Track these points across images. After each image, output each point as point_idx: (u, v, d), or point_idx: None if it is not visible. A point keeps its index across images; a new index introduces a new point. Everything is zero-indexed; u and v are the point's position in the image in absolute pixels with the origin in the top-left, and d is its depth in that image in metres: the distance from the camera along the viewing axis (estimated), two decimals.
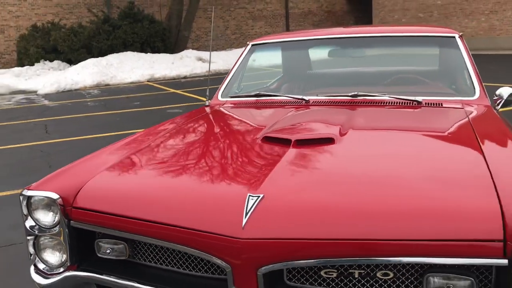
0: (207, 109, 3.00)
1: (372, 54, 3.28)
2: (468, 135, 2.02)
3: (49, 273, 1.83)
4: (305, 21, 25.90)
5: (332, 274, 1.53)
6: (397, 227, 1.42)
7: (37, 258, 1.86)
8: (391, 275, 1.50)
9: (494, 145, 1.92)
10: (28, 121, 9.33)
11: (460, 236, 1.37)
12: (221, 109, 2.93)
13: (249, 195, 1.54)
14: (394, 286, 1.51)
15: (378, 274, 1.51)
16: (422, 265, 1.46)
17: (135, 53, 17.48)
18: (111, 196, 1.76)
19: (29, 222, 1.82)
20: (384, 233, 1.41)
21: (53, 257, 1.84)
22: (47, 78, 15.09)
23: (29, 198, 1.80)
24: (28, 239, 1.84)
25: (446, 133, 2.16)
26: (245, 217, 1.47)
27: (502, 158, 1.76)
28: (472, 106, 2.59)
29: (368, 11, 25.60)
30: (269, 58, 3.52)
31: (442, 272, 1.42)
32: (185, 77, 16.23)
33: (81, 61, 16.42)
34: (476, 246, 1.36)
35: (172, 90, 13.12)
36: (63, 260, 1.83)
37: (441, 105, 2.60)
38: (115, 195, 1.76)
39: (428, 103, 2.61)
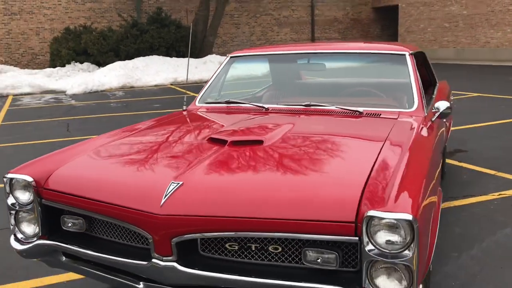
0: (184, 113, 3.43)
1: (334, 68, 3.65)
2: (379, 141, 2.38)
3: (24, 241, 2.29)
4: (330, 28, 26.16)
5: (235, 247, 1.92)
6: (279, 209, 1.80)
7: (16, 229, 2.31)
8: (280, 249, 1.89)
9: (393, 150, 2.27)
10: (53, 119, 9.96)
11: (325, 218, 1.75)
12: (194, 113, 3.36)
13: (172, 182, 1.96)
14: (282, 258, 1.89)
15: (270, 248, 1.89)
16: (301, 241, 1.84)
17: (161, 57, 18.13)
18: (73, 180, 2.21)
19: (10, 200, 2.28)
20: (269, 213, 1.80)
21: (28, 228, 2.29)
22: (75, 79, 15.86)
23: (10, 180, 2.26)
24: (9, 214, 2.30)
25: (360, 138, 2.52)
26: (164, 198, 1.89)
27: (390, 161, 2.12)
28: (407, 117, 2.93)
29: (394, 20, 25.69)
30: (253, 69, 3.91)
31: (315, 247, 1.80)
32: (207, 81, 16.77)
33: (109, 63, 17.15)
34: (336, 226, 1.73)
35: (192, 94, 13.65)
36: (36, 232, 2.27)
37: (379, 115, 2.95)
38: (76, 180, 2.20)
39: (368, 113, 2.97)
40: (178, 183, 1.95)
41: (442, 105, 3.06)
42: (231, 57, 3.83)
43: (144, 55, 18.02)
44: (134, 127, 3.06)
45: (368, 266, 1.72)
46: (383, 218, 1.65)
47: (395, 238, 1.68)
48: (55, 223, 2.28)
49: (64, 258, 2.27)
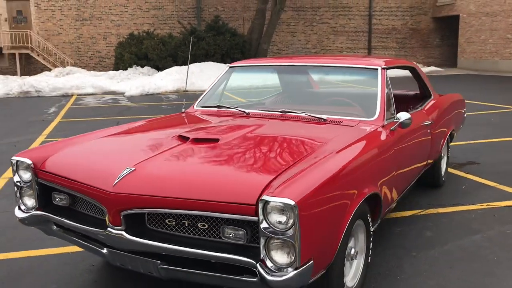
0: (182, 115, 3.94)
1: (320, 79, 4.02)
2: (320, 142, 2.77)
3: (25, 212, 2.87)
4: (388, 38, 26.01)
5: (172, 222, 2.39)
6: (201, 192, 2.26)
7: (20, 201, 2.90)
8: (206, 226, 2.33)
9: (325, 151, 2.64)
10: (106, 118, 10.85)
11: (235, 200, 2.18)
12: (189, 114, 3.86)
13: (126, 168, 2.46)
14: (208, 233, 2.33)
15: (199, 225, 2.34)
16: (220, 220, 2.27)
17: (215, 63, 18.93)
18: (59, 164, 2.76)
19: (16, 178, 2.87)
20: (193, 195, 2.26)
21: (29, 201, 2.87)
22: (134, 82, 16.95)
23: (16, 162, 2.85)
24: (15, 189, 2.89)
25: (306, 139, 2.91)
26: (117, 179, 2.39)
27: (314, 159, 2.50)
28: (365, 125, 3.27)
29: (454, 30, 25.16)
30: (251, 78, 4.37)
31: (229, 225, 2.23)
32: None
33: (167, 68, 18.15)
34: (242, 207, 2.16)
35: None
36: (34, 205, 2.85)
37: (340, 122, 3.31)
38: (61, 164, 2.76)
39: (331, 121, 3.33)
40: (131, 169, 2.45)
41: (403, 116, 3.37)
42: (230, 67, 4.30)
43: (199, 61, 18.90)
44: (132, 124, 3.61)
45: (265, 241, 2.12)
46: (272, 202, 2.06)
47: (283, 219, 2.08)
48: (48, 198, 2.85)
49: (55, 227, 2.83)
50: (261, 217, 2.10)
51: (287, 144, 2.89)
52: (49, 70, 20.28)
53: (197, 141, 2.84)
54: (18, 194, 2.90)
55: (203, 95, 4.18)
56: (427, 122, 4.17)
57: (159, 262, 2.37)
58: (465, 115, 6.16)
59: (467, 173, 5.61)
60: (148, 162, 2.53)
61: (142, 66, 19.45)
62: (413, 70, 4.71)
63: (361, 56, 4.11)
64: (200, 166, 2.53)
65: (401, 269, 3.28)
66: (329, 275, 2.48)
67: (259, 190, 2.16)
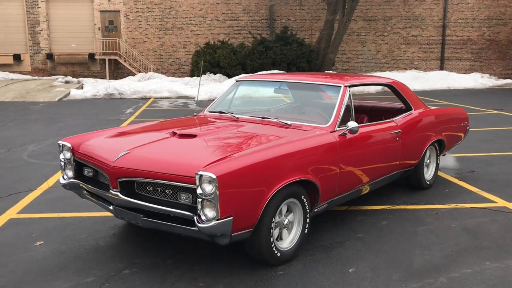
0: (194, 117, 5.11)
1: (292, 93, 5.05)
2: (272, 140, 3.82)
3: (66, 180, 4.15)
4: (462, 49, 25.68)
5: (150, 189, 3.53)
6: (164, 166, 3.38)
7: (63, 172, 4.19)
8: (171, 192, 3.44)
9: (270, 145, 3.68)
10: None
11: (185, 174, 3.27)
12: (198, 117, 5.02)
13: (124, 151, 3.65)
14: (173, 197, 3.44)
15: (166, 191, 3.46)
16: (178, 187, 3.37)
17: (281, 71, 20.07)
18: (88, 147, 4.02)
19: (61, 156, 4.17)
20: (158, 169, 3.39)
21: (69, 173, 4.16)
22: (205, 87, 18.53)
23: (62, 145, 4.14)
24: (61, 165, 4.20)
25: (264, 137, 3.93)
26: (116, 157, 3.59)
27: (257, 149, 3.55)
28: (319, 130, 4.23)
29: None
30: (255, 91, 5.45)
31: (182, 191, 3.33)
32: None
33: (236, 75, 19.57)
34: (188, 178, 3.25)
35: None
36: (72, 175, 4.13)
37: (301, 127, 4.29)
38: (89, 147, 4.01)
39: (295, 126, 4.32)
40: (127, 151, 3.64)
41: (351, 124, 4.28)
42: (236, 81, 5.42)
43: (266, 70, 20.14)
44: (152, 121, 4.82)
45: (200, 202, 3.20)
46: (203, 175, 3.13)
47: (210, 187, 3.15)
48: (81, 172, 4.12)
49: (85, 192, 4.09)
50: (197, 185, 3.18)
51: (245, 139, 3.95)
52: (134, 75, 22.53)
53: (181, 136, 3.98)
54: (62, 168, 4.20)
55: (212, 103, 5.31)
56: (394, 131, 4.99)
57: (142, 215, 3.53)
58: (468, 128, 6.76)
59: (460, 180, 6.23)
60: (139, 148, 3.72)
61: (215, 73, 21.02)
62: (391, 87, 5.52)
63: (334, 75, 5.09)
64: (172, 151, 3.67)
65: (342, 245, 4.18)
66: (258, 234, 3.50)
67: (199, 168, 3.24)
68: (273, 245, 3.62)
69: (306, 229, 3.93)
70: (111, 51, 23.24)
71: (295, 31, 23.62)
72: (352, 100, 4.60)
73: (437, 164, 6.05)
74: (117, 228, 4.54)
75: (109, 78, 22.67)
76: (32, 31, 23.45)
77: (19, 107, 14.78)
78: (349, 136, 4.32)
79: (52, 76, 22.56)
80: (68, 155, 4.13)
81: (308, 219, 3.93)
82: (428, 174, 5.89)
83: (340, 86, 4.60)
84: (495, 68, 26.05)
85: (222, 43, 21.81)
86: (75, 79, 21.24)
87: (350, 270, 3.68)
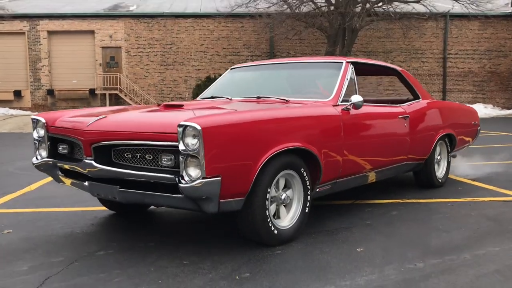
0: None
1: (289, 73, 4.70)
2: (283, 107, 3.44)
3: (38, 160, 3.73)
4: (464, 81, 25.55)
5: (129, 155, 3.11)
6: (144, 127, 2.97)
7: (37, 152, 3.78)
8: (152, 156, 3.02)
9: (268, 109, 3.29)
10: None
11: (164, 131, 2.86)
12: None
13: (100, 116, 3.25)
14: (153, 162, 3.01)
15: (146, 156, 3.04)
16: (159, 150, 2.95)
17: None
18: (63, 120, 3.62)
19: (35, 134, 3.76)
20: (139, 129, 2.98)
21: (43, 152, 3.74)
22: None
23: (37, 120, 3.75)
24: (34, 143, 3.79)
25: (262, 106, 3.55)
26: (91, 122, 3.18)
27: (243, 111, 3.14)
28: (320, 104, 3.83)
29: None
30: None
31: (163, 153, 2.91)
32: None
33: None
34: (168, 136, 2.83)
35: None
36: (45, 155, 3.71)
37: (300, 102, 3.89)
38: (64, 120, 3.61)
39: (294, 102, 3.92)
40: (103, 116, 3.24)
41: (355, 98, 3.89)
42: (231, 69, 5.07)
43: None
44: None
45: (184, 159, 2.77)
46: (186, 126, 2.71)
47: (194, 141, 2.73)
48: (55, 151, 3.70)
49: (59, 173, 3.66)
50: (180, 139, 2.76)
51: (230, 107, 3.56)
52: None
53: (167, 106, 3.58)
54: (36, 147, 3.79)
55: (206, 90, 4.95)
56: (402, 116, 4.59)
57: (118, 186, 3.09)
58: (479, 128, 6.36)
59: (473, 181, 5.76)
60: (117, 113, 3.31)
61: None
62: (399, 74, 5.16)
63: (334, 56, 4.77)
64: (155, 115, 3.27)
65: (348, 230, 3.69)
66: (252, 206, 3.04)
67: (175, 127, 2.83)
68: (269, 220, 3.15)
69: (307, 208, 3.47)
70: (112, 86, 23.17)
71: None
72: (355, 78, 4.23)
73: (449, 162, 5.61)
74: (97, 219, 4.08)
75: None
76: (33, 67, 23.50)
77: (15, 136, 14.49)
78: (353, 112, 3.92)
79: None
80: (41, 132, 3.72)
81: (309, 197, 3.47)
82: (440, 171, 5.44)
83: (342, 62, 4.24)
84: (498, 99, 25.83)
85: None
86: None
87: (358, 250, 3.19)
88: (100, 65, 23.61)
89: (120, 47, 23.78)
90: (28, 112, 22.61)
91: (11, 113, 22.02)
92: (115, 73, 23.35)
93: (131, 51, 23.85)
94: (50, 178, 6.03)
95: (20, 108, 23.22)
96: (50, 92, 23.44)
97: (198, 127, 2.70)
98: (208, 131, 2.74)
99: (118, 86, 23.17)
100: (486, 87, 25.80)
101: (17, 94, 23.33)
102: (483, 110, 22.44)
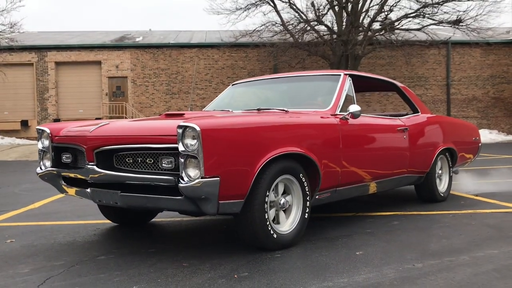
0: None
1: (288, 86, 4.80)
2: (285, 118, 3.53)
3: (43, 170, 3.80)
4: (468, 107, 25.64)
5: (130, 160, 3.17)
6: (146, 131, 3.05)
7: (41, 163, 3.85)
8: (152, 160, 3.08)
9: (268, 117, 3.36)
10: None
11: (163, 134, 2.93)
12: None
13: (102, 122, 3.33)
14: (154, 166, 3.07)
15: (147, 160, 3.10)
16: (160, 154, 3.01)
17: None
18: (67, 130, 3.70)
19: (39, 144, 3.84)
20: (141, 133, 3.05)
21: (47, 162, 3.81)
22: None
23: (42, 131, 3.83)
24: (39, 153, 3.86)
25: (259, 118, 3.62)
26: (93, 128, 3.26)
27: (255, 118, 3.23)
28: (318, 113, 3.90)
29: None
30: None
31: (164, 156, 2.97)
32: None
33: None
34: (169, 138, 2.90)
35: None
36: (49, 164, 3.78)
37: (300, 113, 3.96)
38: (68, 130, 3.69)
39: (293, 112, 3.99)
40: (106, 123, 3.32)
41: (353, 107, 3.96)
42: (232, 84, 5.18)
43: None
44: None
45: (183, 160, 2.83)
46: (184, 126, 2.78)
47: (193, 142, 2.79)
48: (59, 160, 3.77)
49: (62, 182, 3.72)
50: (179, 139, 2.83)
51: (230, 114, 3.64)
52: None
53: (168, 115, 3.67)
54: (40, 157, 3.87)
55: (208, 105, 5.04)
56: (401, 127, 4.65)
57: (120, 191, 3.14)
58: (480, 144, 6.39)
59: (476, 196, 5.76)
60: (120, 121, 3.39)
61: None
62: (398, 89, 5.25)
63: (332, 70, 4.87)
64: (156, 121, 3.35)
65: (348, 237, 3.70)
66: (251, 209, 3.08)
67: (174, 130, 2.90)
68: (268, 223, 3.18)
69: (307, 214, 3.50)
70: (117, 115, 23.40)
71: None
72: (353, 90, 4.32)
73: (450, 177, 5.62)
74: (99, 230, 4.11)
75: None
76: (41, 97, 23.86)
77: (21, 164, 14.60)
78: (351, 121, 3.99)
79: None
80: (46, 142, 3.80)
81: (308, 203, 3.50)
82: (442, 186, 5.45)
83: (340, 74, 4.33)
84: (503, 125, 25.84)
85: None
86: None
87: (357, 253, 3.20)
88: (107, 94, 23.94)
89: (126, 77, 24.15)
90: (34, 142, 22.82)
91: (18, 143, 22.22)
92: (121, 102, 23.65)
93: (137, 80, 24.21)
94: (53, 197, 6.11)
95: (27, 138, 23.44)
96: (57, 121, 23.68)
97: (198, 128, 2.77)
98: (207, 132, 2.81)
99: (124, 115, 23.40)
100: (490, 113, 25.86)
101: (24, 124, 23.61)
102: (488, 135, 22.44)
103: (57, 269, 2.94)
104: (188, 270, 2.85)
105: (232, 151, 2.96)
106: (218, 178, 2.84)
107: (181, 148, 2.83)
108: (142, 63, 24.21)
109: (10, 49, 22.45)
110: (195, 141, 2.80)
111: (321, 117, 3.81)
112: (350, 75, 4.38)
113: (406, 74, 25.28)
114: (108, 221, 4.32)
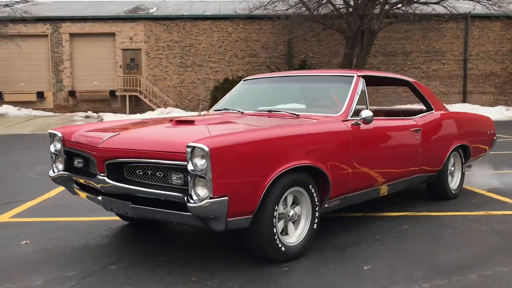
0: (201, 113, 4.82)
1: (300, 86, 4.75)
2: (292, 124, 3.52)
3: (55, 172, 3.84)
4: (485, 82, 25.17)
5: (140, 172, 3.19)
6: (155, 146, 3.05)
7: (54, 165, 3.89)
8: (162, 174, 3.09)
9: (272, 128, 3.34)
10: None
11: (173, 150, 2.94)
12: (203, 114, 4.72)
13: (114, 132, 3.34)
14: (163, 180, 3.09)
15: (157, 174, 3.12)
16: (169, 168, 3.03)
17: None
18: (78, 135, 3.72)
19: (52, 147, 3.88)
20: (150, 147, 3.06)
21: (59, 165, 3.85)
22: None
23: (54, 134, 3.86)
24: (51, 156, 3.90)
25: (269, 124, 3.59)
26: (104, 139, 3.28)
27: (258, 131, 3.22)
28: (329, 119, 3.87)
29: None
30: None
31: (173, 171, 2.98)
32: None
33: None
34: (178, 155, 2.91)
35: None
36: (62, 168, 3.82)
37: (311, 117, 3.93)
38: (79, 135, 3.71)
39: (303, 116, 3.97)
40: (117, 133, 3.33)
41: (365, 113, 3.90)
42: (244, 80, 5.13)
43: None
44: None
45: (192, 179, 2.84)
46: (195, 147, 2.78)
47: (202, 162, 2.80)
48: (71, 164, 3.80)
49: (75, 186, 3.77)
50: (188, 159, 2.83)
51: (248, 125, 3.61)
52: (153, 110, 22.61)
53: (178, 122, 3.66)
54: (52, 160, 3.91)
55: (219, 102, 5.01)
56: (414, 128, 4.59)
57: (130, 203, 3.17)
58: (495, 137, 6.29)
59: (488, 191, 5.72)
60: (130, 130, 3.41)
61: None
62: (411, 86, 5.16)
63: (347, 69, 4.78)
64: (164, 133, 3.35)
65: (356, 245, 3.72)
66: (259, 223, 3.10)
67: (184, 146, 2.90)
68: (276, 237, 3.20)
69: (315, 225, 3.51)
70: (131, 88, 23.46)
71: (314, 66, 23.55)
72: (366, 92, 4.25)
73: (463, 173, 5.57)
74: (111, 230, 4.18)
75: (129, 113, 22.77)
76: (56, 69, 23.93)
77: (37, 138, 14.77)
78: (363, 126, 3.95)
79: (74, 113, 22.81)
80: (58, 146, 3.84)
81: (317, 213, 3.51)
82: (453, 183, 5.41)
83: (353, 76, 4.26)
84: None
85: (240, 78, 21.83)
86: (95, 114, 21.43)
87: (364, 268, 3.22)
88: (121, 67, 23.92)
89: (140, 49, 24.06)
90: (51, 113, 23.06)
91: (34, 114, 22.46)
92: (135, 75, 23.63)
93: (151, 53, 24.11)
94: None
95: (43, 109, 23.65)
96: (72, 93, 23.85)
97: (206, 148, 2.77)
98: (216, 152, 2.80)
99: (138, 88, 23.44)
100: (508, 89, 25.38)
101: (40, 95, 23.80)
102: (505, 112, 22.08)
103: (69, 281, 3.01)
104: (196, 286, 2.90)
105: (241, 168, 2.96)
106: (227, 198, 2.85)
107: (190, 167, 2.83)
108: (155, 35, 24.05)
109: (24, 20, 22.40)
110: (204, 160, 2.80)
111: (332, 125, 3.77)
112: (363, 76, 4.30)
113: (422, 48, 24.80)
114: (119, 219, 4.39)
